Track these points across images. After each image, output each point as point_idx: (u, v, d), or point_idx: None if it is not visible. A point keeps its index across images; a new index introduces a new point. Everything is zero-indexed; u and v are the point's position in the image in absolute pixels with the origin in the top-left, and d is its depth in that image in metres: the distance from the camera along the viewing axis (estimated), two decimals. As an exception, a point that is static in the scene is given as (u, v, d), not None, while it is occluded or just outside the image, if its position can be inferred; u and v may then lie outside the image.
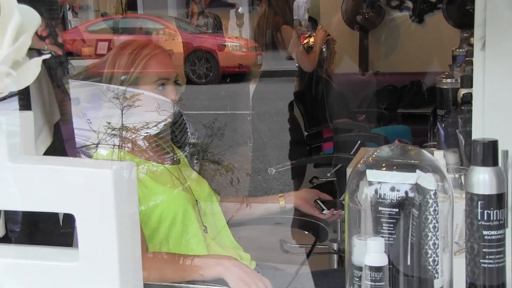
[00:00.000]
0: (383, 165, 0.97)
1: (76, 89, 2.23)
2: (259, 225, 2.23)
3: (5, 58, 0.92)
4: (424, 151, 1.00)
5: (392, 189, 0.96)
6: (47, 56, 0.95)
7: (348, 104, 4.21)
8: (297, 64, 4.07)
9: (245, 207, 2.05)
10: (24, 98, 1.95)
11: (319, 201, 2.07)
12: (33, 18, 0.98)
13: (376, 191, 0.96)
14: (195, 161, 2.01)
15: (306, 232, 2.20)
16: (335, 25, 5.43)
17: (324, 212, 2.04)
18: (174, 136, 2.00)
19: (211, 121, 2.01)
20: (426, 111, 4.45)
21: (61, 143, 2.19)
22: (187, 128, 2.11)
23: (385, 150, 1.00)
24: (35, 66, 0.96)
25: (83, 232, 0.96)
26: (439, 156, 1.66)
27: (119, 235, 0.95)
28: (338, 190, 2.79)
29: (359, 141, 3.44)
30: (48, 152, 2.03)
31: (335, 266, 2.49)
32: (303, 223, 2.13)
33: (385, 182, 0.96)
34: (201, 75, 8.62)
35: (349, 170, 2.04)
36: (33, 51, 0.97)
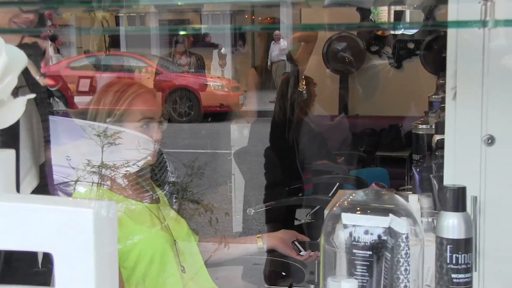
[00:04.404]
0: (358, 208, 1.00)
1: (56, 125, 2.24)
2: (237, 265, 2.23)
3: (-10, 99, 0.94)
4: (397, 196, 1.04)
5: (366, 232, 0.99)
6: (32, 96, 0.97)
7: (328, 146, 4.26)
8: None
9: (223, 247, 2.05)
10: (2, 134, 1.94)
11: (296, 243, 2.08)
12: (19, 58, 1.00)
13: (350, 234, 0.99)
14: (174, 200, 2.02)
15: (284, 273, 2.21)
16: (315, 68, 5.53)
17: (301, 253, 2.06)
18: (154, 174, 2.01)
19: (191, 160, 2.02)
20: (403, 155, 4.51)
21: (44, 182, 2.17)
22: (167, 167, 2.12)
23: (360, 194, 1.03)
24: (19, 105, 0.98)
25: (60, 272, 0.96)
26: (413, 200, 1.70)
27: (97, 275, 0.96)
28: (316, 231, 2.81)
29: (338, 183, 3.47)
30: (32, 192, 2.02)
31: (311, 308, 2.49)
32: (281, 264, 2.14)
33: (359, 225, 0.99)
34: (182, 113, 8.66)
35: (326, 212, 2.06)
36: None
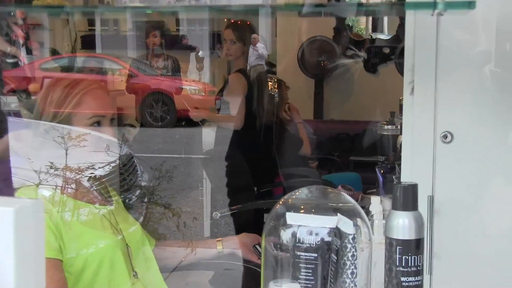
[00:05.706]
0: (302, 207, 0.93)
1: (14, 125, 2.16)
2: (208, 270, 2.17)
3: None
4: (344, 194, 0.97)
5: (311, 232, 0.92)
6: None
7: (300, 149, 4.21)
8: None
9: (190, 252, 1.98)
10: None
11: (257, 246, 2.01)
12: None
13: (293, 235, 0.92)
14: (143, 203, 1.95)
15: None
16: (290, 72, 5.49)
17: (262, 257, 1.99)
18: (123, 178, 1.93)
19: (158, 163, 1.96)
20: (377, 159, 4.47)
21: None
22: (137, 171, 2.06)
23: (304, 192, 0.96)
24: None
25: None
26: (376, 202, 1.64)
27: (17, 278, 0.88)
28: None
29: (309, 187, 3.40)
30: None
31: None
32: (246, 269, 2.07)
33: (303, 226, 0.92)
34: (158, 118, 8.54)
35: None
36: None
